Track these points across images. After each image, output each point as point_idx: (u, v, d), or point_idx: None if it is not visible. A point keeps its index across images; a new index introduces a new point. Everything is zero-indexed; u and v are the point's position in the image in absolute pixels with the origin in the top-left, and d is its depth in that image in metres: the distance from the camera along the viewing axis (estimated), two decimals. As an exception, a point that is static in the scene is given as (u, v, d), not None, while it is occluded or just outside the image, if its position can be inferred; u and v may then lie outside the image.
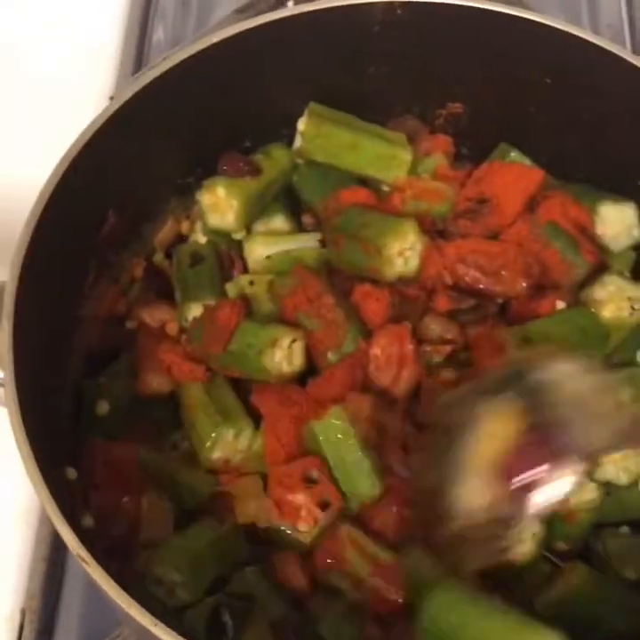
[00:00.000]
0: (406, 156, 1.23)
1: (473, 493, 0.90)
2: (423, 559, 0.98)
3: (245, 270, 1.22)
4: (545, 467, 0.87)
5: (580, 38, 1.16)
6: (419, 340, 1.12)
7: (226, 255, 1.23)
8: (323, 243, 1.21)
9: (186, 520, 1.07)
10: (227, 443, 1.09)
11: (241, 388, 1.13)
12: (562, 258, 1.17)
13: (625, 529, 1.10)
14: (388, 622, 1.00)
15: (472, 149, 1.29)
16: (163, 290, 1.22)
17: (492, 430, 0.90)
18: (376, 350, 1.09)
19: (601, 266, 1.19)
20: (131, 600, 0.84)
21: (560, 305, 1.16)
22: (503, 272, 1.15)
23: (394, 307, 1.13)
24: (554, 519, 1.05)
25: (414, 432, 1.09)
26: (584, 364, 0.91)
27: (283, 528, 1.02)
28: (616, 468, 1.05)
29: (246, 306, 1.14)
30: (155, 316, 1.19)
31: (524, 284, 1.15)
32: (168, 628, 0.82)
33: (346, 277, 1.17)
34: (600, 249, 1.20)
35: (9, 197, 1.18)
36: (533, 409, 0.89)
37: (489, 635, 0.92)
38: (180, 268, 1.21)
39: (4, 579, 1.20)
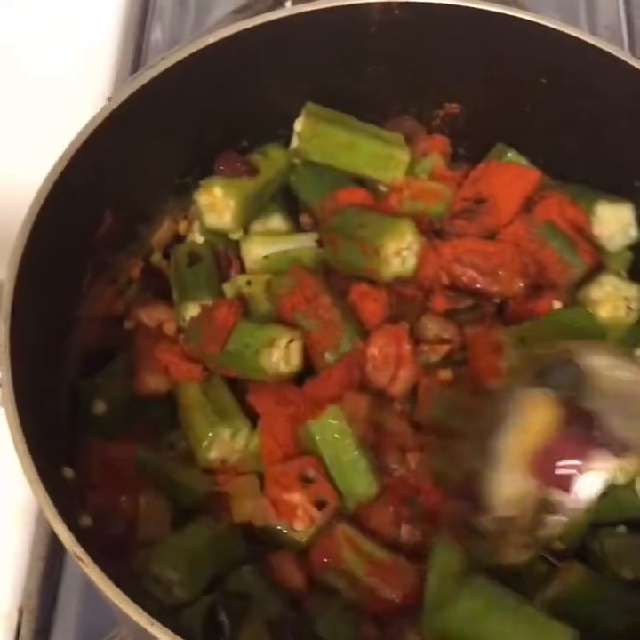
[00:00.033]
0: (403, 156, 1.23)
1: (508, 484, 0.90)
2: (450, 552, 0.98)
3: (243, 270, 1.22)
4: (579, 460, 0.87)
5: (577, 39, 1.16)
6: (416, 339, 1.13)
7: (223, 255, 1.23)
8: (320, 243, 1.21)
9: (183, 519, 1.07)
10: (223, 442, 1.09)
11: (238, 387, 1.13)
12: (559, 258, 1.17)
13: (622, 528, 1.10)
14: (385, 622, 1.00)
15: (469, 149, 1.30)
16: (160, 290, 1.22)
17: (529, 421, 0.89)
18: (373, 350, 1.09)
19: (598, 266, 1.19)
20: (127, 599, 0.84)
21: (557, 305, 1.16)
22: (500, 272, 1.15)
23: (391, 307, 1.13)
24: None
25: (412, 431, 1.09)
26: (625, 358, 0.92)
27: (279, 527, 1.02)
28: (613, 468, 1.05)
29: (243, 306, 1.14)
30: (152, 315, 1.19)
31: (521, 284, 1.15)
32: (165, 627, 0.83)
33: (343, 277, 1.17)
34: (597, 249, 1.20)
35: (6, 197, 1.18)
36: (572, 400, 0.88)
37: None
38: (178, 267, 1.21)
39: (1, 578, 1.20)
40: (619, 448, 0.87)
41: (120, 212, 1.17)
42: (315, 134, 1.22)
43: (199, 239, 1.24)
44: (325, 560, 1.02)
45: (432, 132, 1.29)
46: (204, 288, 1.18)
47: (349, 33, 1.20)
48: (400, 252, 1.15)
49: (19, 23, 1.66)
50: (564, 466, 0.87)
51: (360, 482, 1.04)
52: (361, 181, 1.25)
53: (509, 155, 1.26)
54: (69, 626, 1.21)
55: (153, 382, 1.13)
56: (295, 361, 1.11)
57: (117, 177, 1.15)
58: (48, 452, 0.96)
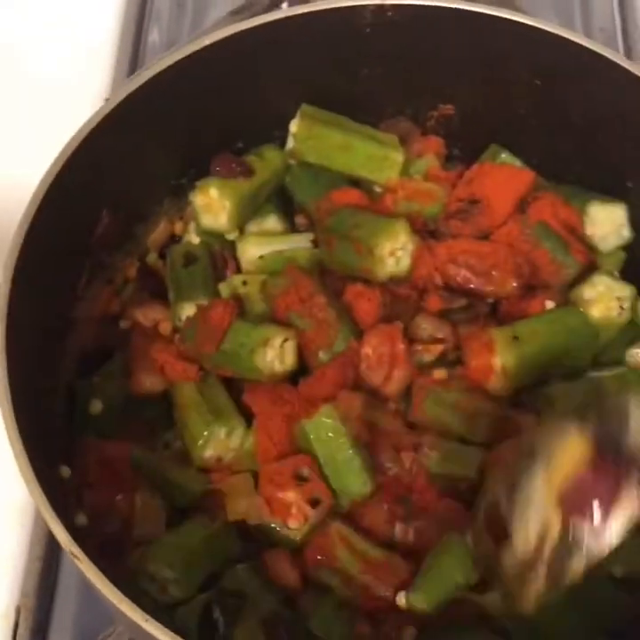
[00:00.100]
0: (398, 157, 1.23)
1: (534, 520, 0.87)
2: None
3: (238, 270, 1.23)
4: (609, 499, 0.84)
5: (572, 41, 1.16)
6: (410, 339, 1.13)
7: (219, 255, 1.23)
8: (315, 243, 1.22)
9: (178, 518, 1.07)
10: (218, 441, 1.09)
11: (233, 387, 1.14)
12: (552, 258, 1.18)
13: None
14: (379, 619, 1.00)
15: (463, 151, 1.30)
16: (156, 290, 1.23)
17: (562, 455, 0.87)
18: (367, 350, 1.10)
19: (590, 266, 1.20)
20: (122, 596, 0.84)
21: (550, 304, 1.17)
22: (494, 272, 1.16)
23: (385, 306, 1.13)
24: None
25: (406, 431, 1.09)
26: None
27: (273, 525, 1.03)
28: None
29: (239, 306, 1.15)
30: (148, 315, 1.19)
31: (515, 284, 1.16)
32: (159, 624, 0.83)
33: (338, 277, 1.18)
34: (590, 249, 1.21)
35: (2, 197, 1.19)
36: (608, 437, 0.86)
37: None
38: (174, 268, 1.22)
39: (-1, 577, 1.21)
40: None
41: (117, 212, 1.18)
42: (310, 135, 1.22)
43: (195, 240, 1.25)
44: (319, 558, 1.03)
45: (427, 133, 1.30)
46: (199, 288, 1.19)
47: (344, 34, 1.20)
48: (394, 253, 1.16)
49: (17, 23, 1.66)
50: (594, 503, 0.84)
51: (354, 480, 1.04)
52: (356, 182, 1.25)
53: (503, 156, 1.26)
54: (67, 625, 1.21)
55: (149, 382, 1.14)
56: (290, 360, 1.11)
57: (114, 177, 1.15)
58: (44, 451, 0.96)
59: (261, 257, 1.21)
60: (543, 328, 1.14)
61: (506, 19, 1.17)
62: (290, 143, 1.24)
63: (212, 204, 1.21)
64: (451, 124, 1.29)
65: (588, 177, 1.24)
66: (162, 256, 1.26)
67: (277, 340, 1.10)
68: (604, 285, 1.17)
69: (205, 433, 1.08)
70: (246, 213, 1.23)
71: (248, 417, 1.11)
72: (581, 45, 1.16)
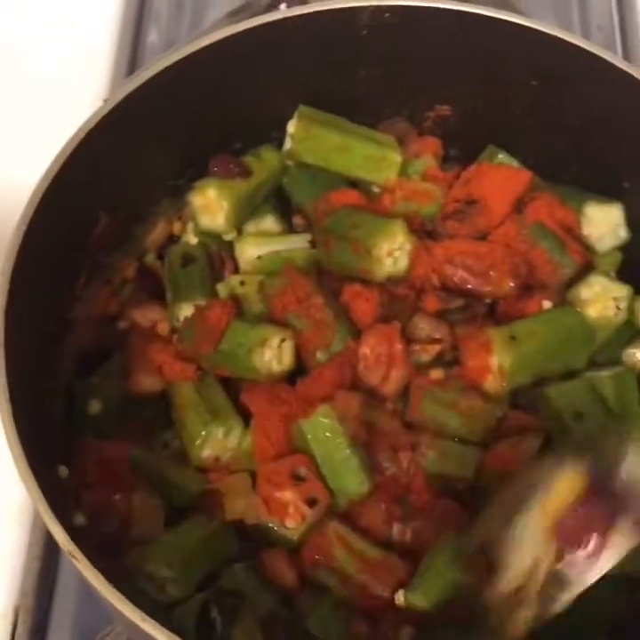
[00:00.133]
0: (396, 157, 1.24)
1: (525, 553, 0.89)
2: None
3: (236, 271, 1.23)
4: (600, 535, 0.87)
5: (569, 42, 1.16)
6: (408, 339, 1.13)
7: (217, 256, 1.23)
8: (313, 243, 1.22)
9: (176, 517, 1.07)
10: (216, 441, 1.09)
11: (231, 387, 1.14)
12: (549, 258, 1.18)
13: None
14: (376, 618, 1.00)
15: (461, 151, 1.30)
16: (154, 290, 1.23)
17: (557, 491, 0.89)
18: (365, 350, 1.10)
19: (587, 266, 1.20)
20: (120, 596, 0.85)
21: (547, 304, 1.17)
22: (491, 272, 1.16)
23: (383, 306, 1.14)
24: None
25: (404, 431, 1.10)
26: None
27: (271, 525, 1.03)
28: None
29: (237, 306, 1.15)
30: (146, 316, 1.20)
31: (512, 284, 1.16)
32: (157, 624, 0.83)
33: (336, 278, 1.18)
34: (586, 249, 1.21)
35: (0, 198, 1.19)
36: (600, 475, 0.89)
37: None
38: (172, 268, 1.22)
39: (-3, 577, 1.21)
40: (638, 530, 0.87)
41: (115, 212, 1.18)
42: (308, 136, 1.22)
43: (193, 240, 1.25)
44: (317, 557, 1.03)
45: (424, 134, 1.30)
46: (197, 289, 1.19)
47: (342, 36, 1.20)
48: (392, 253, 1.16)
49: (16, 24, 1.66)
50: (586, 536, 0.87)
51: (351, 480, 1.05)
52: (354, 183, 1.25)
53: (500, 156, 1.26)
54: (65, 625, 1.22)
55: (147, 382, 1.14)
56: (287, 360, 1.11)
57: (112, 178, 1.15)
58: (42, 452, 0.96)
59: (259, 257, 1.21)
60: (540, 328, 1.14)
61: (502, 20, 1.17)
62: (287, 144, 1.25)
63: (210, 205, 1.21)
64: (448, 124, 1.29)
65: (585, 177, 1.24)
66: (160, 256, 1.26)
67: (275, 340, 1.10)
68: (601, 285, 1.17)
69: (203, 432, 1.09)
70: (244, 214, 1.23)
71: (246, 417, 1.11)
72: (578, 46, 1.16)
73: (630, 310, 1.18)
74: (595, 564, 0.87)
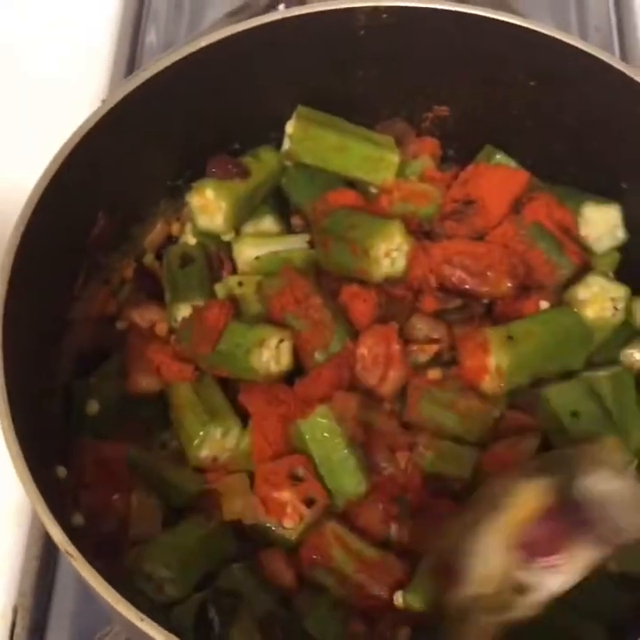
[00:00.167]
0: (394, 158, 1.24)
1: (488, 561, 0.91)
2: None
3: (234, 271, 1.23)
4: (561, 547, 0.89)
5: (566, 43, 1.17)
6: (405, 340, 1.13)
7: (215, 256, 1.23)
8: (311, 244, 1.22)
9: (174, 518, 1.08)
10: (214, 441, 1.10)
11: (229, 387, 1.14)
12: (546, 259, 1.18)
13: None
14: (373, 618, 1.01)
15: (459, 151, 1.31)
16: (153, 291, 1.23)
17: (519, 502, 0.91)
18: (363, 350, 1.10)
19: (585, 266, 1.20)
20: (117, 596, 0.85)
21: (544, 305, 1.17)
22: (489, 273, 1.16)
23: (381, 307, 1.14)
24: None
25: (401, 431, 1.10)
26: (619, 470, 0.94)
27: (269, 525, 1.03)
28: (598, 466, 1.06)
29: (235, 306, 1.15)
30: (145, 316, 1.20)
31: (510, 285, 1.16)
32: (154, 623, 0.83)
33: (334, 278, 1.18)
34: (584, 250, 1.21)
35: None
36: (565, 491, 0.91)
37: None
38: (170, 269, 1.22)
39: (-4, 577, 1.22)
40: (600, 543, 0.90)
41: (113, 213, 1.18)
42: (306, 137, 1.23)
43: (191, 241, 1.25)
44: (314, 557, 1.03)
45: (422, 135, 1.30)
46: (195, 289, 1.19)
47: (340, 36, 1.21)
48: (390, 253, 1.16)
49: (16, 24, 1.66)
50: (546, 550, 0.89)
51: (349, 480, 1.05)
52: (352, 183, 1.26)
53: (498, 157, 1.27)
54: (64, 624, 1.22)
55: (145, 382, 1.14)
56: (285, 361, 1.11)
57: (111, 178, 1.16)
58: (41, 452, 0.97)
59: (257, 258, 1.21)
60: (538, 328, 1.14)
61: (500, 20, 1.17)
62: (286, 144, 1.25)
63: (209, 205, 1.21)
64: (446, 125, 1.30)
65: (583, 178, 1.24)
66: (158, 257, 1.26)
67: (273, 341, 1.11)
68: (599, 286, 1.17)
69: (201, 433, 1.09)
70: (242, 214, 1.24)
71: (244, 417, 1.11)
72: (576, 47, 1.16)
73: (628, 311, 1.18)
74: (556, 575, 0.89)
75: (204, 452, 1.09)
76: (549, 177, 1.26)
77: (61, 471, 1.05)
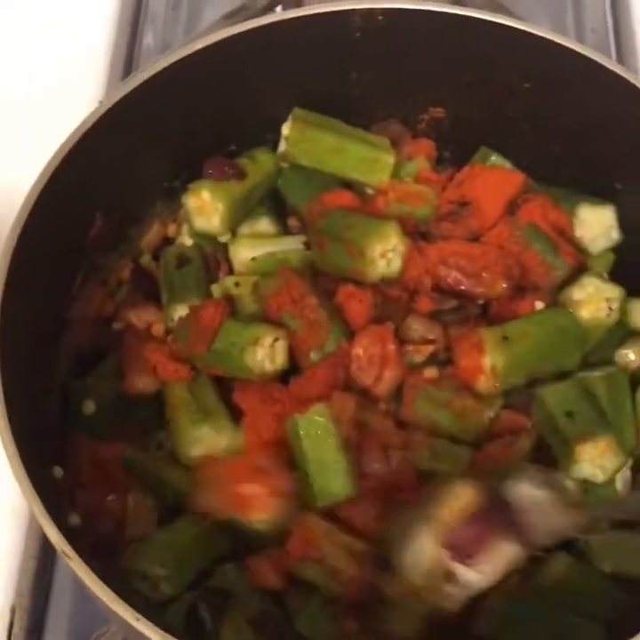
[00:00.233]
0: (389, 159, 1.24)
1: (419, 552, 0.96)
2: None
3: (231, 272, 1.23)
4: (489, 544, 0.94)
5: (562, 45, 1.17)
6: (401, 340, 1.14)
7: (212, 257, 1.24)
8: (307, 245, 1.22)
9: (170, 517, 1.08)
10: (206, 440, 1.09)
11: (225, 387, 1.14)
12: (542, 260, 1.18)
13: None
14: (366, 614, 1.00)
15: (454, 153, 1.31)
16: (150, 292, 1.23)
17: (451, 499, 0.96)
18: (358, 350, 1.11)
19: (580, 267, 1.20)
20: (113, 595, 0.85)
21: (539, 305, 1.17)
22: (484, 274, 1.16)
23: (376, 307, 1.14)
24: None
25: (396, 430, 1.10)
26: (545, 479, 0.99)
27: (240, 519, 1.03)
28: (592, 466, 1.07)
29: (231, 306, 1.15)
30: (141, 317, 1.20)
31: (505, 286, 1.16)
32: (150, 623, 0.84)
33: (330, 279, 1.18)
34: (579, 251, 1.21)
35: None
36: (495, 493, 0.96)
37: None
38: (167, 269, 1.23)
39: (-7, 577, 1.22)
40: (522, 545, 0.95)
41: (110, 214, 1.18)
42: (302, 138, 1.23)
43: (188, 242, 1.25)
44: (302, 552, 1.02)
45: (418, 136, 1.30)
46: (192, 290, 1.19)
47: (336, 38, 1.21)
48: (386, 254, 1.16)
49: (15, 24, 1.66)
50: (474, 546, 0.94)
51: (336, 482, 1.04)
52: (348, 184, 1.26)
53: (493, 158, 1.27)
54: (62, 624, 1.22)
55: (141, 382, 1.14)
56: (280, 359, 1.11)
57: (107, 180, 1.16)
58: (38, 452, 0.97)
59: (254, 259, 1.21)
60: (533, 328, 1.14)
61: (496, 22, 1.17)
62: (282, 146, 1.25)
63: (205, 207, 1.21)
64: (441, 126, 1.30)
65: (578, 179, 1.24)
66: (155, 258, 1.27)
67: (268, 339, 1.11)
68: (594, 287, 1.17)
69: (192, 432, 1.09)
70: (239, 216, 1.24)
71: (240, 416, 1.11)
72: (572, 49, 1.16)
73: (622, 311, 1.18)
74: (478, 573, 0.94)
75: (196, 451, 1.09)
76: (544, 178, 1.26)
77: (58, 471, 1.05)
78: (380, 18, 1.18)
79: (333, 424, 1.05)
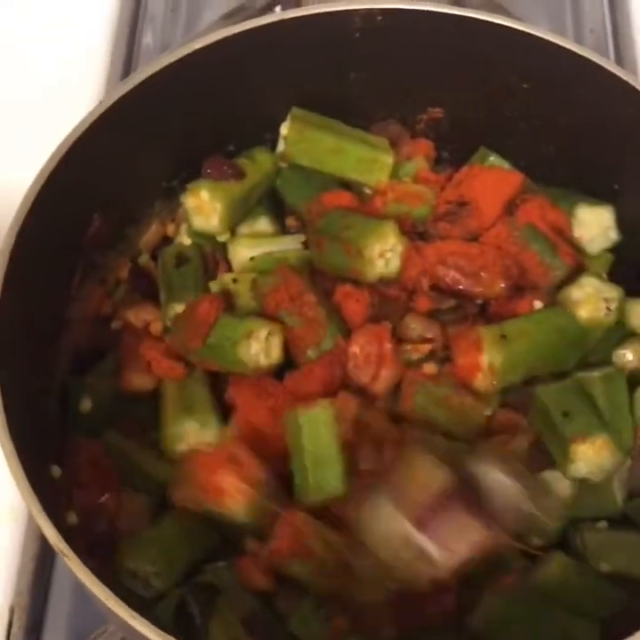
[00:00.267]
0: (388, 159, 1.24)
1: (384, 527, 0.98)
2: None
3: (230, 272, 1.23)
4: (456, 523, 0.97)
5: (560, 46, 1.17)
6: (399, 339, 1.14)
7: (210, 257, 1.24)
8: (306, 245, 1.22)
9: (163, 514, 1.08)
10: (190, 435, 1.09)
11: (221, 384, 1.13)
12: (540, 260, 1.18)
13: (603, 524, 1.11)
14: (357, 613, 1.00)
15: (453, 153, 1.31)
16: (148, 291, 1.23)
17: (419, 474, 0.99)
18: (354, 348, 1.11)
19: (578, 268, 1.20)
20: (110, 593, 0.85)
21: (538, 305, 1.17)
22: (482, 273, 1.16)
23: (374, 307, 1.14)
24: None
25: (391, 427, 1.10)
26: (513, 467, 1.02)
27: (215, 509, 1.03)
28: (589, 465, 1.07)
29: (226, 300, 1.15)
30: (140, 316, 1.20)
31: (503, 285, 1.16)
32: (146, 621, 0.84)
33: (328, 278, 1.18)
34: (577, 251, 1.22)
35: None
36: (461, 476, 0.99)
37: None
38: (165, 269, 1.23)
39: (-8, 576, 1.22)
40: (492, 527, 0.98)
41: (109, 213, 1.18)
42: (301, 138, 1.23)
43: (186, 241, 1.25)
44: (290, 550, 1.01)
45: (416, 136, 1.31)
46: (190, 289, 1.19)
47: (335, 39, 1.21)
48: (384, 254, 1.16)
49: (15, 25, 1.66)
50: (442, 523, 0.96)
51: (330, 480, 1.04)
52: (347, 185, 1.26)
53: (491, 158, 1.27)
54: (61, 624, 1.22)
55: (138, 381, 1.14)
56: (275, 354, 1.11)
57: (106, 179, 1.16)
58: (36, 451, 0.97)
59: (252, 258, 1.21)
60: (531, 327, 1.14)
61: (495, 23, 1.18)
62: (281, 146, 1.25)
63: (204, 206, 1.21)
64: (440, 127, 1.30)
65: (576, 179, 1.25)
66: (154, 257, 1.27)
67: (262, 333, 1.10)
68: (592, 287, 1.17)
69: (177, 427, 1.09)
70: (237, 215, 1.24)
71: (230, 413, 1.11)
72: (570, 50, 1.17)
73: (621, 311, 1.18)
74: (450, 550, 0.96)
75: (180, 446, 1.09)
76: (543, 178, 1.26)
77: (56, 470, 1.05)
78: (380, 18, 1.19)
79: (335, 423, 1.05)
